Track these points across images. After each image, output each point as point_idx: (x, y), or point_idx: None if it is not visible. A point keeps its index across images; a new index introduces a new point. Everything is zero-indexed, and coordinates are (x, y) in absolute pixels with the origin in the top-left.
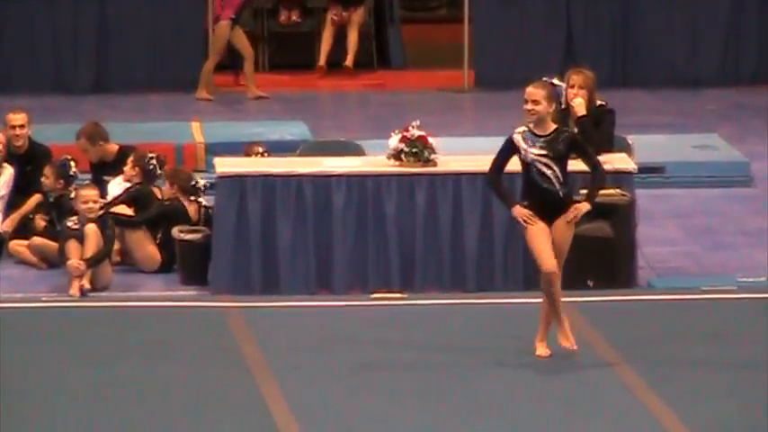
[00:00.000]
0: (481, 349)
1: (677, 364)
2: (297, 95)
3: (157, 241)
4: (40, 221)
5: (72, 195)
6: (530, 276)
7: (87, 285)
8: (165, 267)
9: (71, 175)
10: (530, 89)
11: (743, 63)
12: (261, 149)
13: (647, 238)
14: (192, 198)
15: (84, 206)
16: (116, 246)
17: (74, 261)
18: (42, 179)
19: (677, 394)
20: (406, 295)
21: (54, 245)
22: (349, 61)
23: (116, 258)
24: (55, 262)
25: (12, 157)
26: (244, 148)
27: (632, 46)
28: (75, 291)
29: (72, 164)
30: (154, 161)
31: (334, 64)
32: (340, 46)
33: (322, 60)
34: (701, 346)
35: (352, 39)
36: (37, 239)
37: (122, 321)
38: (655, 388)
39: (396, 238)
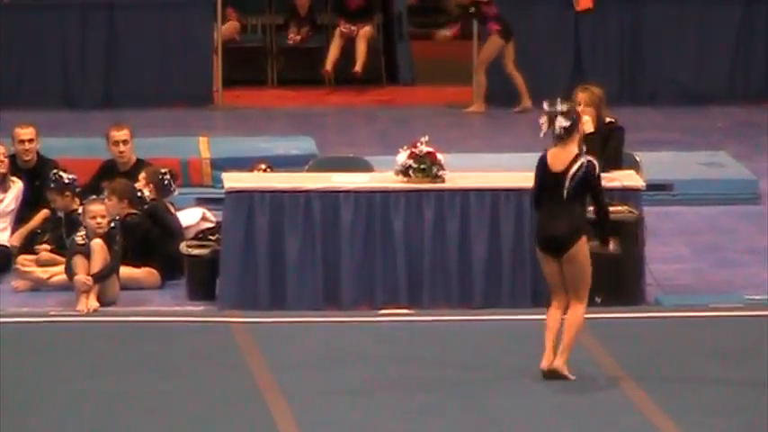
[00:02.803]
0: (489, 366)
1: (684, 380)
2: (305, 111)
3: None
4: (44, 250)
5: (80, 211)
6: (537, 292)
7: (96, 304)
8: (167, 276)
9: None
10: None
11: (751, 81)
12: (263, 166)
13: (655, 255)
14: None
15: (92, 221)
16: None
17: (81, 276)
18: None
19: (684, 411)
20: (413, 311)
21: (61, 260)
22: (358, 67)
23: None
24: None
25: (20, 171)
26: (250, 166)
27: (640, 63)
28: (82, 306)
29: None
30: (168, 176)
31: (343, 79)
32: (348, 60)
33: (329, 66)
34: (707, 364)
35: (361, 49)
36: (45, 254)
37: (130, 336)
38: (661, 405)
39: (403, 254)
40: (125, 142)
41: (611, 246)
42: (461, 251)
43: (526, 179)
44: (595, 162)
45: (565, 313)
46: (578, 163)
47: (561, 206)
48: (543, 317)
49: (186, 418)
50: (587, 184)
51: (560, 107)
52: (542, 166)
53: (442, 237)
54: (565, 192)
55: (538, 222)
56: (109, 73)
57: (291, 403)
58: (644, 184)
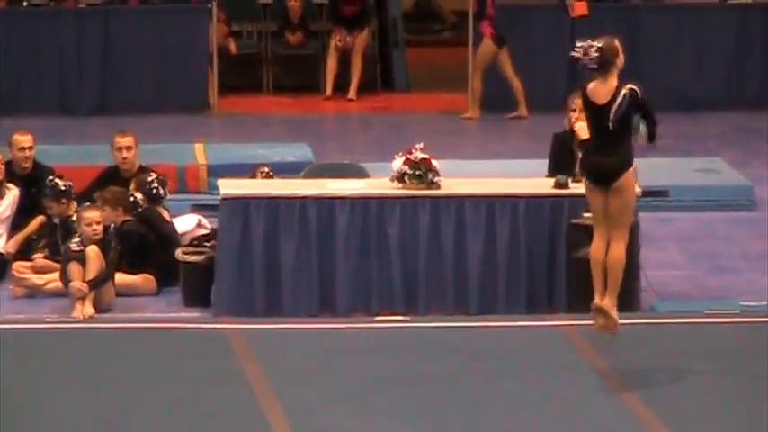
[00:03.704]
0: (484, 373)
1: (679, 387)
2: (300, 118)
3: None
4: (39, 258)
5: (74, 217)
6: (532, 299)
7: (92, 311)
8: (163, 282)
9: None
10: None
11: (747, 87)
12: (266, 170)
13: (650, 261)
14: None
15: (87, 228)
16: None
17: (76, 283)
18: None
19: (679, 417)
20: (409, 318)
21: (57, 266)
22: (352, 94)
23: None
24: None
25: (16, 178)
26: (249, 170)
27: (636, 70)
28: (77, 313)
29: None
30: (155, 183)
31: (339, 88)
32: (344, 69)
33: (328, 91)
34: (703, 370)
35: (356, 66)
36: (40, 261)
37: (125, 343)
38: (657, 411)
39: (399, 261)
40: (129, 148)
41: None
42: (457, 258)
43: (521, 186)
44: (637, 88)
45: (607, 247)
46: (621, 94)
47: (607, 137)
48: (539, 323)
49: (182, 424)
50: (636, 109)
51: (595, 42)
52: (584, 97)
53: (438, 243)
54: (610, 124)
55: (584, 153)
56: (105, 80)
57: (287, 410)
58: (640, 190)
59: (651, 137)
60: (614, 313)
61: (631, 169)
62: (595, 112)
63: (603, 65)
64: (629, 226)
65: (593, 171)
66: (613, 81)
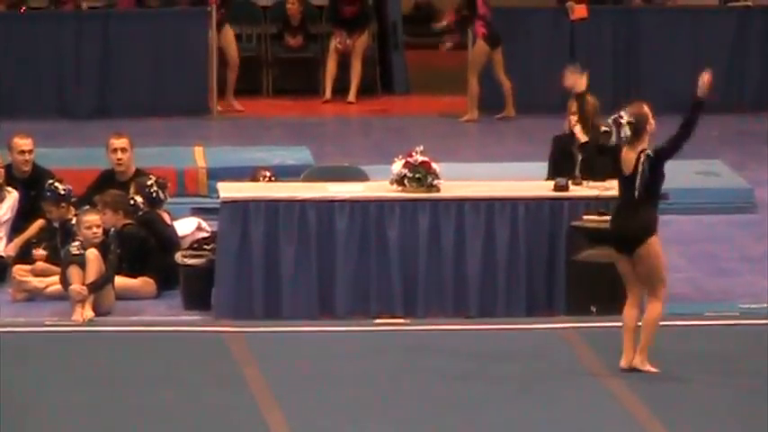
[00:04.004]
0: (483, 375)
1: (680, 390)
2: (300, 121)
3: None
4: (40, 253)
5: (74, 221)
6: (532, 302)
7: (91, 314)
8: (163, 285)
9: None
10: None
11: (746, 90)
12: (268, 174)
13: None
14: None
15: (87, 231)
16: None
17: (76, 286)
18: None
19: (680, 420)
20: (408, 320)
21: (57, 269)
22: (351, 97)
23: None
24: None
25: (15, 181)
26: (250, 173)
27: (635, 73)
28: (77, 316)
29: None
30: (154, 187)
31: (339, 90)
32: (344, 72)
33: (328, 94)
34: (703, 373)
35: (356, 69)
36: (40, 264)
37: (124, 346)
38: (657, 414)
39: (398, 264)
40: (123, 150)
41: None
42: (456, 260)
43: (521, 188)
44: (651, 152)
45: (640, 311)
46: (641, 163)
47: (633, 206)
48: (538, 326)
49: (181, 428)
50: (660, 162)
51: (624, 114)
52: (616, 162)
53: (437, 246)
54: (636, 192)
55: (611, 221)
56: (104, 83)
57: (287, 413)
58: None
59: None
60: (647, 368)
61: (655, 237)
62: (622, 181)
63: (636, 135)
64: (665, 285)
65: (615, 237)
66: (639, 148)
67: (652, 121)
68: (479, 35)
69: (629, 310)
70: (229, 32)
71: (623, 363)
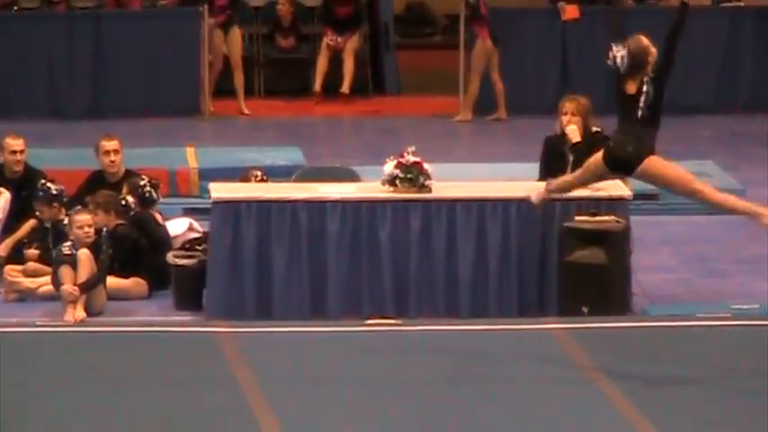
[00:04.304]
0: (475, 376)
1: (672, 391)
2: (292, 121)
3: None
4: (33, 252)
5: (66, 221)
6: (524, 302)
7: (83, 314)
8: (155, 286)
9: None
10: None
11: (738, 91)
12: (259, 174)
13: (642, 264)
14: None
15: (79, 231)
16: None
17: (67, 286)
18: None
19: (671, 421)
20: (400, 321)
21: (48, 270)
22: (345, 88)
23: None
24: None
25: (7, 181)
26: (240, 174)
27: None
28: (69, 316)
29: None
30: (148, 187)
31: (330, 90)
32: (335, 72)
33: (317, 86)
34: (695, 374)
35: (348, 64)
36: (32, 264)
37: (116, 346)
38: (649, 415)
39: (390, 264)
40: (116, 152)
41: None
42: (448, 261)
43: (513, 189)
44: (651, 74)
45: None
46: (645, 82)
47: (635, 126)
48: (530, 327)
49: (173, 428)
50: (663, 80)
51: (622, 48)
52: (619, 89)
53: (429, 247)
54: (639, 113)
55: (612, 140)
56: (96, 83)
57: (279, 414)
58: (631, 193)
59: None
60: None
61: (654, 155)
62: (626, 99)
63: (638, 67)
64: (692, 176)
65: (614, 156)
66: (644, 75)
67: (653, 50)
68: (484, 36)
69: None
70: (237, 34)
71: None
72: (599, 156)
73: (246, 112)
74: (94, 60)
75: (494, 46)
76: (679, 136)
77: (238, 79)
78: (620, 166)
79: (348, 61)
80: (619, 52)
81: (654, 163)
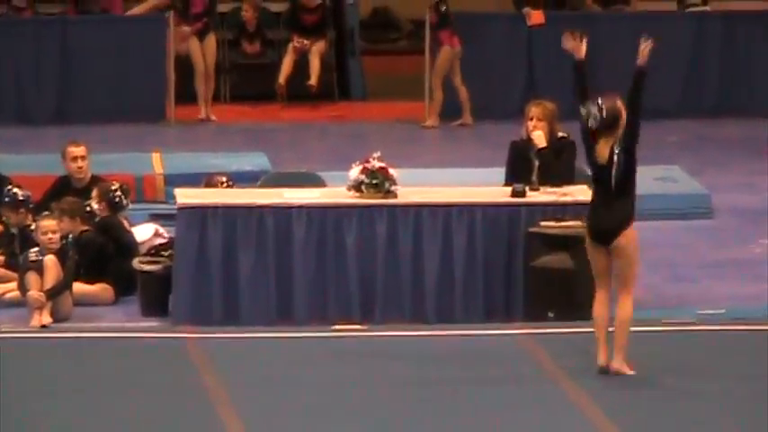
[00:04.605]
0: (441, 381)
1: (637, 395)
2: (257, 127)
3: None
4: None
5: (33, 227)
6: (490, 308)
7: (49, 320)
8: (121, 291)
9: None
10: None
11: (704, 95)
12: (224, 180)
13: None
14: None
15: (44, 237)
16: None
17: (33, 292)
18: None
19: (636, 425)
20: (366, 326)
21: (14, 276)
22: (313, 80)
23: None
24: None
25: None
26: (204, 180)
27: (593, 78)
28: (36, 322)
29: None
30: (118, 192)
31: (295, 95)
32: (301, 75)
33: (282, 79)
34: (661, 379)
35: (315, 64)
36: None
37: (82, 352)
38: (615, 420)
39: (356, 270)
40: (83, 158)
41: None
42: (414, 266)
43: (479, 194)
44: (618, 148)
45: (610, 307)
46: (615, 153)
47: (609, 197)
48: (496, 332)
49: None
50: (631, 152)
51: (599, 103)
52: (590, 155)
53: (395, 252)
54: (613, 184)
55: (590, 213)
56: (63, 89)
57: (245, 419)
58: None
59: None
60: (626, 370)
61: (632, 227)
62: (598, 170)
63: (610, 127)
64: (636, 280)
65: (595, 230)
66: (614, 139)
67: (624, 114)
68: (450, 43)
69: (600, 308)
70: (212, 42)
71: (601, 361)
72: (586, 237)
73: (213, 118)
74: (61, 66)
75: (456, 53)
76: (645, 141)
77: (208, 86)
78: (603, 238)
79: (314, 61)
80: (593, 108)
81: (631, 237)
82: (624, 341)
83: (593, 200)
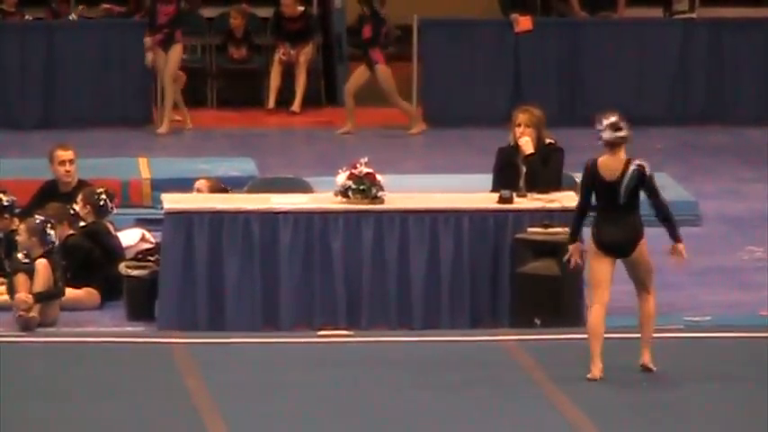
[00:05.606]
0: (427, 387)
1: (623, 401)
2: (244, 132)
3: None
4: None
5: (19, 231)
6: (476, 314)
7: (36, 315)
8: (107, 296)
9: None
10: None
11: (691, 102)
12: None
13: None
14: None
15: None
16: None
17: (21, 294)
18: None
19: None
20: (352, 332)
21: (0, 280)
22: (296, 107)
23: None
24: None
25: None
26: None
27: (580, 85)
28: (20, 299)
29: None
30: (104, 196)
31: (283, 102)
32: (288, 84)
33: (271, 103)
34: (647, 386)
35: (301, 81)
36: None
37: (68, 357)
38: (600, 426)
39: (342, 276)
40: (71, 162)
41: (681, 247)
42: (400, 272)
43: (466, 200)
44: (644, 164)
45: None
46: (629, 171)
47: (619, 213)
48: (482, 338)
49: None
50: (642, 188)
51: (611, 118)
52: (593, 175)
53: (381, 258)
54: (621, 199)
55: (597, 227)
56: (48, 94)
57: (230, 424)
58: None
59: (673, 232)
60: (652, 365)
61: (645, 239)
62: (605, 187)
63: (616, 145)
64: (654, 280)
65: (607, 245)
66: (622, 155)
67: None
68: (381, 61)
69: (597, 321)
70: (177, 51)
71: (595, 372)
72: (591, 246)
73: (177, 118)
74: (46, 71)
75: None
76: (632, 148)
77: (168, 93)
78: (619, 252)
79: (300, 76)
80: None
81: (645, 247)
82: (651, 335)
83: (599, 214)
